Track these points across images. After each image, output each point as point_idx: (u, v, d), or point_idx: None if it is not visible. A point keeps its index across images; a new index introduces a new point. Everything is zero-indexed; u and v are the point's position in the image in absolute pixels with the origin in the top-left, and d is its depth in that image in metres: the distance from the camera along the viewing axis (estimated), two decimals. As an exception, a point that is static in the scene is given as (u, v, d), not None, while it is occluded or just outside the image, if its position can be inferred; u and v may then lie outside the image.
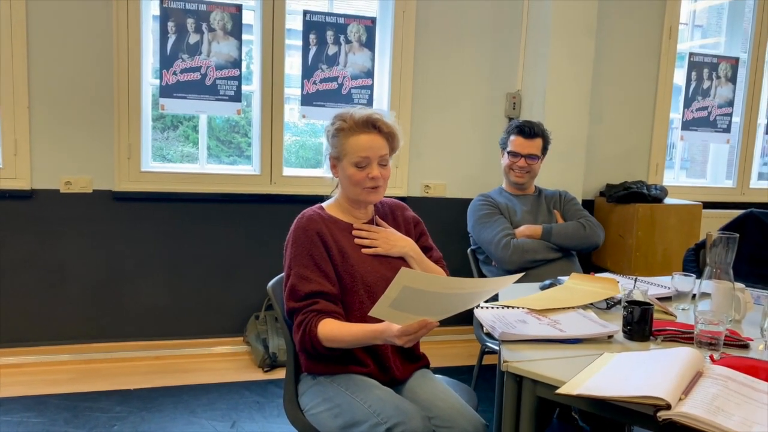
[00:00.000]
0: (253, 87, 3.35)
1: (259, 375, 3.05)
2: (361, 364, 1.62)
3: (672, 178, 4.21)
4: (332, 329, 1.55)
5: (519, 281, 1.93)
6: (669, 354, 1.29)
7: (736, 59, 4.08)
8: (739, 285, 1.70)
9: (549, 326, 1.52)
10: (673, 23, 3.85)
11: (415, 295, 1.30)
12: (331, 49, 3.38)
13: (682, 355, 1.27)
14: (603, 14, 3.60)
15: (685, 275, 1.89)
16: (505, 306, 1.68)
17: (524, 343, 1.43)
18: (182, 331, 3.30)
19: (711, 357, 1.33)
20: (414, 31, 3.46)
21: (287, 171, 3.43)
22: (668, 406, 1.05)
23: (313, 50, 3.36)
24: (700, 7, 5.14)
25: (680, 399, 1.09)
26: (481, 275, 2.57)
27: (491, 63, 3.61)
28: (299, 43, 3.35)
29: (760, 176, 4.38)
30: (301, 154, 4.64)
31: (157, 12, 3.12)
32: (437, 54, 3.53)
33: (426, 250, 1.80)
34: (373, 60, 3.46)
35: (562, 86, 3.47)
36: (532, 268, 2.43)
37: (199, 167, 3.38)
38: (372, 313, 1.35)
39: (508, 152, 2.62)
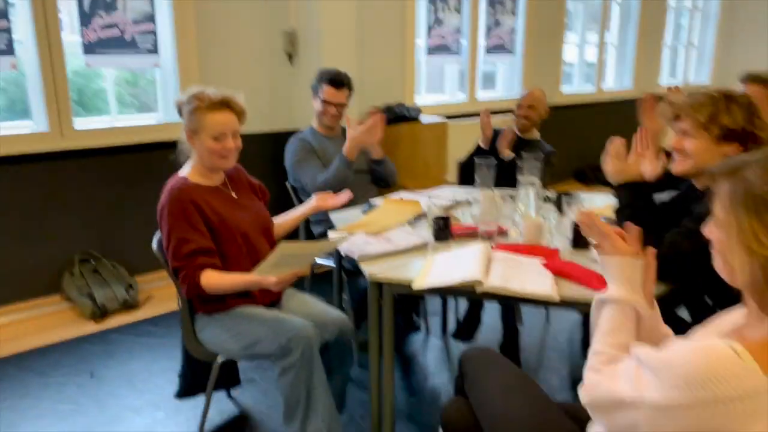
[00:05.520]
0: (23, 36, 3.14)
1: (93, 327, 3.16)
2: (247, 296, 2.01)
3: (420, 97, 5.02)
4: (214, 279, 1.91)
5: (344, 207, 2.47)
6: (469, 249, 1.95)
7: (461, -8, 4.93)
8: (497, 192, 2.45)
9: (386, 243, 2.08)
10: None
11: (291, 258, 1.76)
12: (108, -6, 3.31)
13: (477, 248, 1.94)
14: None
15: (460, 187, 2.60)
16: (348, 233, 2.19)
17: (375, 258, 1.97)
18: (-9, 301, 3.18)
19: (492, 246, 2.03)
20: (190, -26, 3.54)
21: (79, 125, 3.37)
22: (482, 283, 1.70)
23: (88, -4, 3.25)
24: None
25: (486, 276, 1.74)
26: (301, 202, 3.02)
27: (266, 1, 3.87)
28: (72, -12, 3.21)
29: (483, 87, 5.45)
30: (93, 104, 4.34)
31: None
32: (216, -4, 3.67)
33: (267, 205, 2.23)
34: (153, 4, 3.47)
35: (334, 23, 3.90)
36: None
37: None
38: (254, 272, 1.80)
39: (323, 101, 3.01)
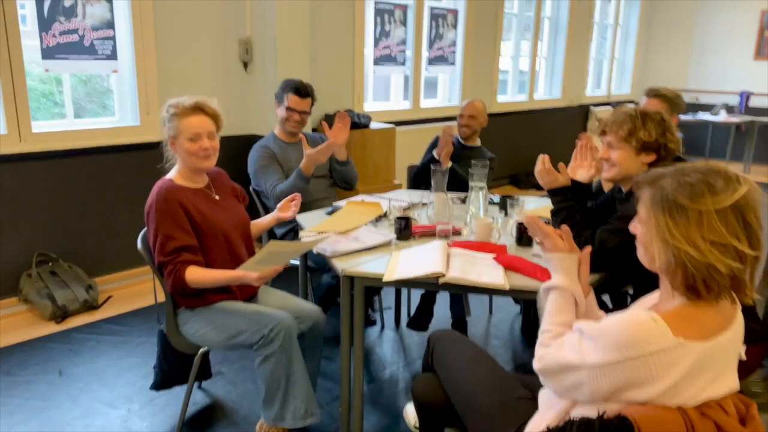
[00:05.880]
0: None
1: (54, 327, 3.21)
2: (227, 291, 2.18)
3: (368, 105, 5.26)
4: (198, 275, 2.07)
5: (308, 210, 2.67)
6: (429, 246, 2.20)
7: (405, 6, 5.20)
8: (449, 195, 2.71)
9: (354, 241, 2.30)
10: (361, -24, 4.72)
11: (275, 255, 1.96)
12: (67, 1, 3.36)
13: (436, 245, 2.18)
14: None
15: (414, 190, 2.84)
16: (317, 233, 2.39)
17: (345, 255, 2.19)
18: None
19: (448, 244, 2.28)
20: (149, -18, 3.64)
21: (37, 128, 3.40)
22: (444, 275, 1.94)
23: (48, 2, 3.29)
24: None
25: (447, 269, 1.99)
26: (265, 208, 3.18)
27: (222, 10, 4.00)
28: (31, -7, 3.26)
29: (426, 96, 5.75)
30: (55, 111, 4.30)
31: None
32: (175, 2, 3.77)
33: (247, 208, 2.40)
34: (112, 11, 3.54)
35: (289, 33, 4.07)
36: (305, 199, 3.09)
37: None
38: (240, 268, 1.99)
39: (287, 108, 3.18)
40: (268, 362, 2.05)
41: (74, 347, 3.01)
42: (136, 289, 3.73)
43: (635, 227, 1.32)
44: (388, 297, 3.47)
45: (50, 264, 3.47)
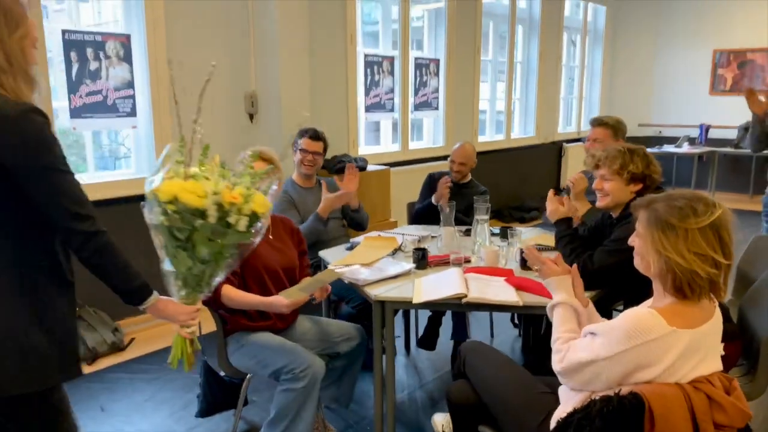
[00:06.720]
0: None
1: (86, 368, 3.40)
2: (266, 318, 2.45)
3: (361, 149, 5.60)
4: (232, 293, 2.34)
5: (330, 247, 2.97)
6: (446, 272, 2.50)
7: (392, 58, 5.62)
8: (456, 229, 3.03)
9: (378, 271, 2.59)
10: (353, 31, 5.13)
11: (316, 283, 2.25)
12: (93, 65, 3.67)
13: (453, 271, 2.49)
14: (313, 27, 4.65)
15: (418, 225, 3.16)
16: (345, 265, 2.68)
17: (373, 284, 2.47)
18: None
19: (464, 270, 2.59)
20: (165, 44, 3.96)
21: (65, 181, 3.65)
22: (466, 296, 2.24)
23: (75, 66, 3.59)
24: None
25: (467, 291, 2.29)
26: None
27: (229, 67, 4.34)
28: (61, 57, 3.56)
29: (413, 138, 6.13)
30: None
31: None
32: (188, 62, 4.09)
33: (303, 254, 2.68)
34: (132, 72, 3.86)
35: (290, 86, 4.43)
36: (323, 238, 3.39)
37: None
38: (282, 293, 2.27)
39: (300, 150, 3.49)
40: (288, 393, 2.25)
41: (109, 385, 3.21)
42: (156, 331, 3.94)
43: (633, 240, 1.65)
44: (397, 327, 3.74)
45: (77, 309, 3.67)
